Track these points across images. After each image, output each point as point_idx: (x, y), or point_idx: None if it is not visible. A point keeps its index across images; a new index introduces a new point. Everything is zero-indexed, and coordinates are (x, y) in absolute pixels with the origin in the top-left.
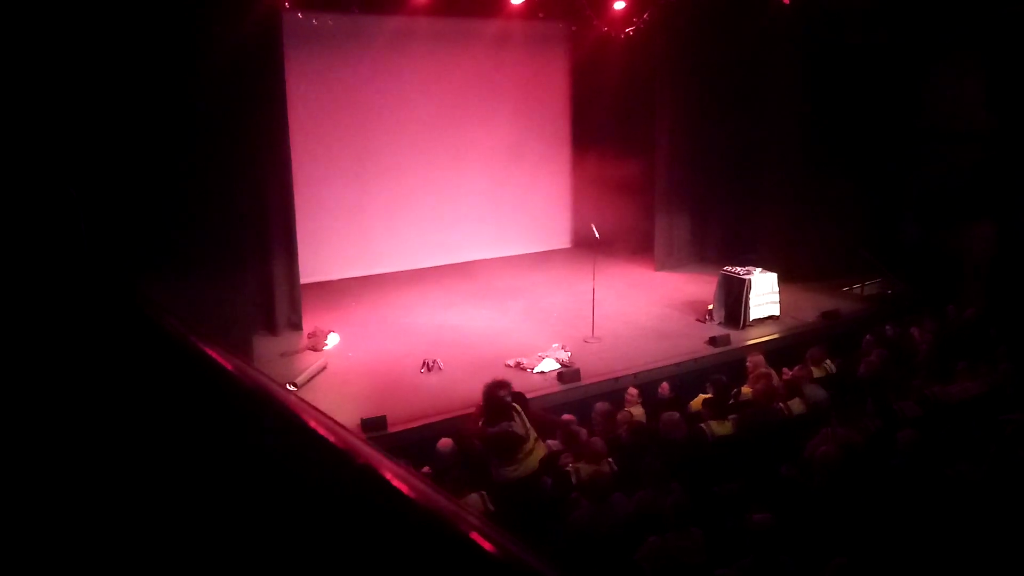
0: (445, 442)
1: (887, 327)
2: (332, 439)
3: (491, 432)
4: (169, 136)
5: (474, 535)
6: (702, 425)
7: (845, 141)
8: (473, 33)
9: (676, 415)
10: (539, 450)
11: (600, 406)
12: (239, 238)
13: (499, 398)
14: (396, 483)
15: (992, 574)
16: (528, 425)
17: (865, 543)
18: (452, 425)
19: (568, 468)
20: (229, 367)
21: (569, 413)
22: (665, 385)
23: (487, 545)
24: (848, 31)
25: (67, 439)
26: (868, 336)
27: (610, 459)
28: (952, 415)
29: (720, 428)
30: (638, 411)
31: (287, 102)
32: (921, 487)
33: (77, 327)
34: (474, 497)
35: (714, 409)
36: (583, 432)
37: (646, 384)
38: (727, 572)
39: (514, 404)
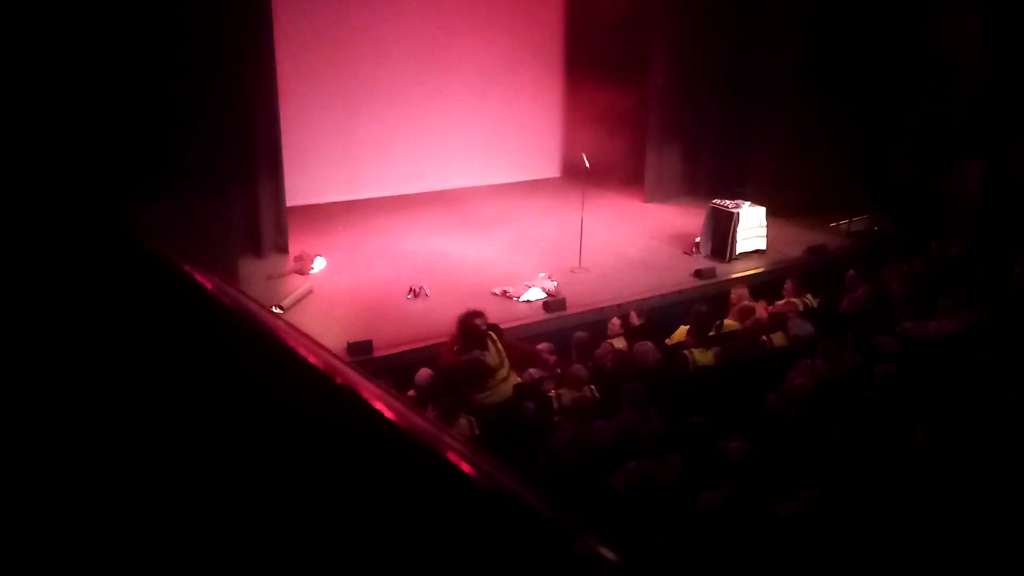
0: (424, 372)
1: (885, 265)
2: (312, 360)
3: (462, 360)
4: (153, 55)
5: (451, 455)
6: (684, 352)
7: (841, 74)
8: None
9: (648, 344)
10: (513, 378)
11: (579, 335)
12: (224, 159)
13: (474, 326)
14: (375, 404)
15: (960, 508)
16: (503, 354)
17: (838, 475)
18: (437, 351)
19: (551, 394)
20: (208, 285)
21: (555, 342)
22: (633, 313)
23: (464, 466)
24: None
25: (40, 357)
26: (851, 271)
27: (592, 386)
28: (929, 352)
29: (702, 357)
30: (620, 343)
31: (273, 21)
32: (895, 423)
33: (53, 243)
34: (462, 422)
35: (696, 338)
36: (556, 360)
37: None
38: (711, 495)
39: (489, 333)
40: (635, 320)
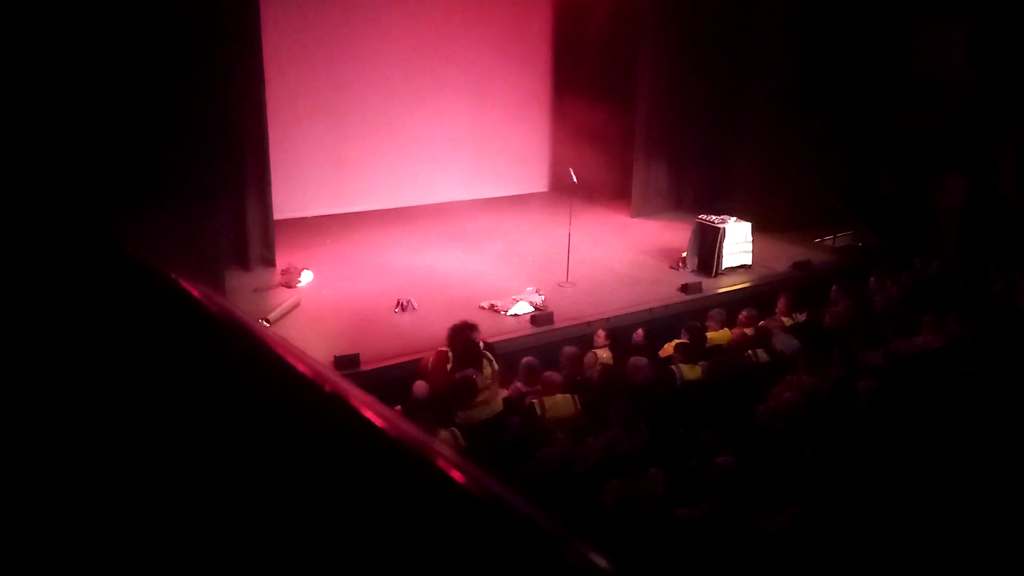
0: (421, 385)
1: (871, 279)
2: (300, 367)
3: (455, 378)
4: (140, 64)
5: (440, 463)
6: (672, 367)
7: (826, 91)
8: None
9: (644, 360)
10: (503, 393)
11: (568, 350)
12: (212, 171)
13: (472, 342)
14: (364, 411)
15: (943, 523)
16: (496, 371)
17: (822, 492)
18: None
19: (533, 402)
20: (195, 294)
21: (542, 356)
22: (640, 332)
23: (454, 473)
24: None
25: (29, 365)
26: (835, 286)
27: (576, 396)
28: (913, 366)
29: (690, 372)
30: (605, 354)
31: (262, 33)
32: (878, 437)
33: (41, 253)
34: (445, 434)
35: (686, 354)
36: (539, 368)
37: (617, 330)
38: (687, 512)
39: (486, 353)
40: (640, 339)
